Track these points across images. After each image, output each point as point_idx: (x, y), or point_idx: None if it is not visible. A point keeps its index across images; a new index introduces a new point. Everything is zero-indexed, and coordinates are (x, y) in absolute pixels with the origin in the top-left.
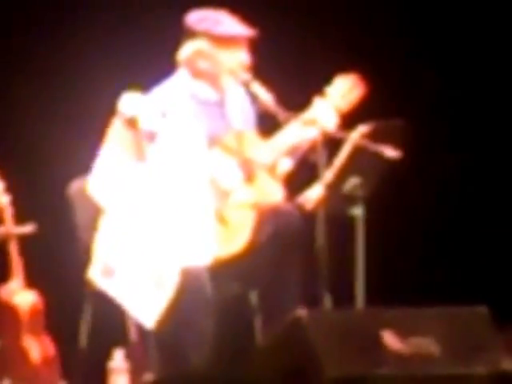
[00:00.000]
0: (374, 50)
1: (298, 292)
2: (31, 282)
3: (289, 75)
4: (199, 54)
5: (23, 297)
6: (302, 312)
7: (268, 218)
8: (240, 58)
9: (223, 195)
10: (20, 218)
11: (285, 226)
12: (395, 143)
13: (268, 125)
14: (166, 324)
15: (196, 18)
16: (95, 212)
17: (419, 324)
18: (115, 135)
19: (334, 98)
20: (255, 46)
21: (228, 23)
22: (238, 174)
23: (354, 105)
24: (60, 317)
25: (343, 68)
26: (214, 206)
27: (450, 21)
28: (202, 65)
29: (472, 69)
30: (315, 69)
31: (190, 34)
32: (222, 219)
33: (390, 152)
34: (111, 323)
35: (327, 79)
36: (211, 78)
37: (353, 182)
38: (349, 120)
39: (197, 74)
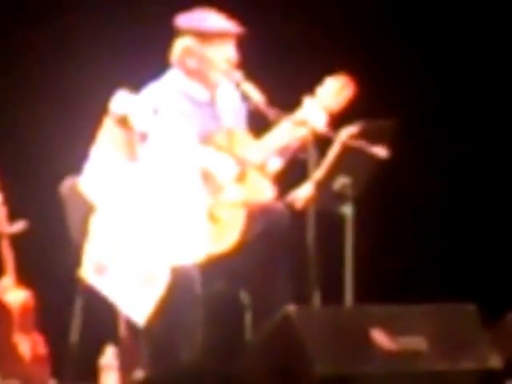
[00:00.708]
0: (364, 51)
1: (288, 289)
2: (22, 279)
3: (279, 75)
4: (186, 51)
5: (14, 294)
6: (291, 309)
7: (258, 217)
8: (227, 53)
9: (218, 189)
10: (12, 217)
11: (275, 224)
12: (384, 143)
13: (259, 124)
14: (156, 321)
15: (183, 17)
16: (87, 210)
17: (408, 321)
18: (107, 134)
19: (323, 98)
20: (246, 46)
21: (212, 19)
22: (234, 167)
23: (344, 105)
24: (51, 314)
25: (333, 68)
26: (205, 203)
27: (439, 20)
28: (190, 62)
29: (462, 68)
30: (305, 69)
31: (179, 33)
32: (212, 217)
33: (380, 151)
34: (102, 320)
35: (317, 79)
36: (201, 76)
37: (342, 181)
38: (339, 120)
39: (188, 72)
